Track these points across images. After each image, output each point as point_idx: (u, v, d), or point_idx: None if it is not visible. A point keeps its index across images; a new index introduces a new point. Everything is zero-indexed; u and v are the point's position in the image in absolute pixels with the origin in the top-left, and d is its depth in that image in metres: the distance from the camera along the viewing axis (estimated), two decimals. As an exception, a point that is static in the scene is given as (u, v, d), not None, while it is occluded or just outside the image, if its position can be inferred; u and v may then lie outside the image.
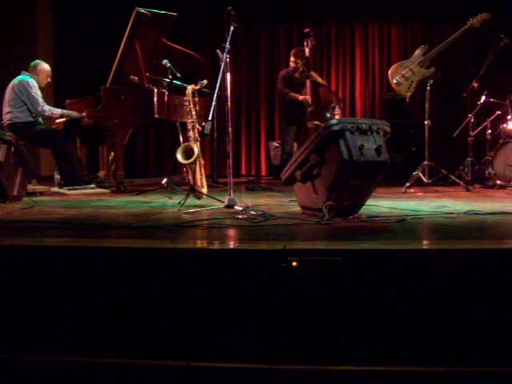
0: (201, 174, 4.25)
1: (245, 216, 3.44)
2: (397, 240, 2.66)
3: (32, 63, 5.87)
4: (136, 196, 5.25)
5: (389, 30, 8.76)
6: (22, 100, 5.60)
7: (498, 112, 6.30)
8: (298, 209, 3.71)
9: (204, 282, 2.29)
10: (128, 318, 2.30)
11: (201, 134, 4.33)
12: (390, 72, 5.98)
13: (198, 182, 4.21)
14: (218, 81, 3.91)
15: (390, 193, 5.42)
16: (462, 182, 5.81)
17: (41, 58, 6.04)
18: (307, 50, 6.49)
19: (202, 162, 4.32)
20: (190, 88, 4.60)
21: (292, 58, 6.66)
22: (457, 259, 2.26)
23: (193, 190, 4.15)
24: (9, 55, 7.66)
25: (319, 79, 6.64)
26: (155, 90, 5.89)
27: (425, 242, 2.75)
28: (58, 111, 5.80)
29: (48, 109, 5.70)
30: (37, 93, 5.66)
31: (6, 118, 5.66)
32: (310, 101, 6.42)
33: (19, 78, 5.71)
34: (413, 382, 2.15)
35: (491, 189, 5.89)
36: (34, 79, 5.72)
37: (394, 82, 5.89)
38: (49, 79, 5.97)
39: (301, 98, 6.48)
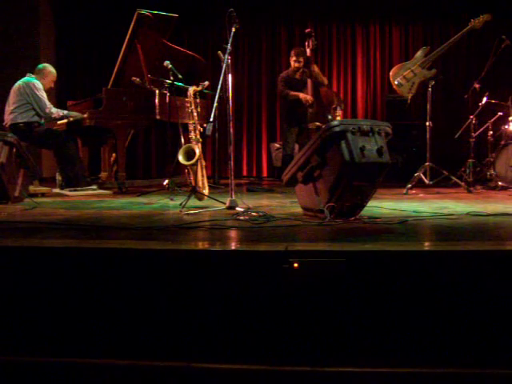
0: (202, 176, 4.26)
1: (246, 217, 3.44)
2: (399, 241, 2.66)
3: (40, 66, 5.93)
4: (137, 197, 5.25)
5: (390, 31, 8.77)
6: (28, 101, 5.62)
7: (500, 113, 6.30)
8: (299, 210, 3.71)
9: (205, 283, 2.29)
10: (129, 318, 2.30)
11: (202, 135, 4.33)
12: (391, 73, 5.99)
13: (200, 184, 4.22)
14: (220, 82, 3.91)
15: (392, 194, 5.42)
16: (463, 184, 5.80)
17: (43, 59, 6.07)
18: (308, 51, 6.50)
19: (204, 163, 4.32)
20: (191, 89, 4.60)
21: (293, 58, 6.66)
22: (458, 261, 2.26)
23: (194, 192, 4.15)
24: (11, 56, 7.67)
25: (320, 74, 6.62)
26: (157, 92, 5.90)
27: (426, 244, 2.74)
28: (63, 113, 5.83)
29: (55, 111, 5.73)
30: (43, 95, 5.69)
31: (9, 118, 5.67)
32: (310, 100, 6.42)
33: (24, 79, 5.73)
34: (413, 382, 2.15)
35: (493, 190, 5.89)
36: (39, 81, 5.74)
37: (396, 83, 5.89)
38: (52, 84, 6.00)
39: (301, 95, 6.48)
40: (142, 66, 6.09)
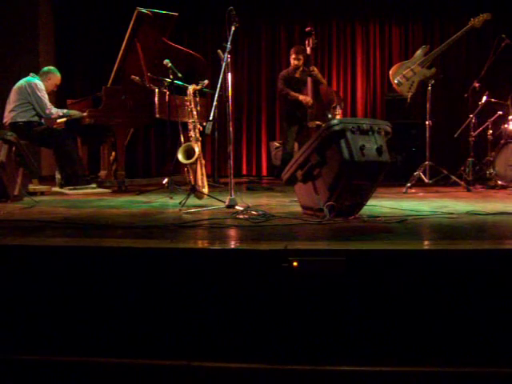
0: (202, 174, 4.25)
1: (246, 216, 3.44)
2: (398, 240, 2.66)
3: (45, 68, 5.98)
4: (137, 196, 5.25)
5: (390, 30, 8.77)
6: (29, 101, 5.62)
7: (500, 112, 6.29)
8: (298, 209, 3.70)
9: (205, 282, 2.29)
10: (128, 317, 2.30)
11: (202, 133, 4.33)
12: (391, 72, 5.98)
13: (199, 182, 4.21)
14: (219, 81, 3.91)
15: (391, 193, 5.42)
16: (463, 183, 5.80)
17: (42, 57, 6.07)
18: (308, 49, 6.48)
19: (203, 161, 4.32)
20: (191, 88, 4.60)
21: (293, 56, 6.65)
22: (458, 259, 2.26)
23: (194, 190, 4.14)
24: (10, 55, 7.66)
25: (319, 76, 6.62)
26: (156, 90, 5.89)
27: (426, 243, 2.74)
28: (63, 112, 5.83)
29: (55, 111, 5.74)
30: (44, 95, 5.69)
31: (9, 116, 5.66)
32: (310, 102, 6.41)
33: (27, 79, 5.73)
34: (413, 382, 2.15)
35: (492, 189, 5.88)
36: (42, 82, 5.75)
37: (395, 82, 5.89)
38: (55, 88, 6.02)
39: (301, 97, 6.47)
40: (142, 64, 6.08)
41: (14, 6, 7.83)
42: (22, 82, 5.72)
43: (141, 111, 5.98)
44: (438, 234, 2.97)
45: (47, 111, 5.67)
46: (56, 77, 5.93)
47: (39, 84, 5.69)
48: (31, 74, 5.82)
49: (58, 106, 5.93)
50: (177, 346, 2.26)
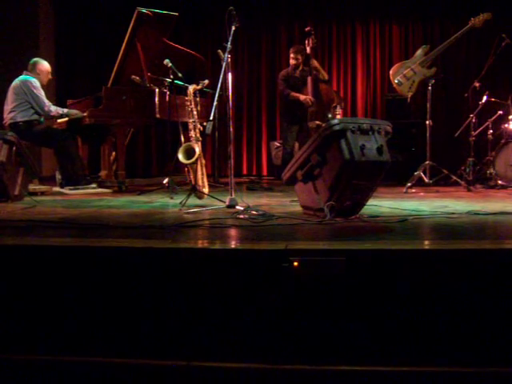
0: (202, 174, 4.25)
1: (246, 216, 3.44)
2: (398, 240, 2.66)
3: (31, 61, 5.87)
4: (137, 196, 5.25)
5: (390, 30, 8.76)
6: (27, 100, 5.61)
7: (500, 112, 6.29)
8: (299, 209, 3.70)
9: (205, 281, 2.29)
10: (129, 317, 2.30)
11: (202, 133, 4.33)
12: (391, 72, 5.98)
13: (200, 182, 4.22)
14: (220, 81, 3.91)
15: (392, 193, 5.42)
16: (463, 182, 5.80)
17: (43, 58, 6.04)
18: (308, 49, 6.47)
19: (204, 161, 4.32)
20: (191, 88, 4.61)
21: (292, 55, 6.64)
22: (458, 259, 2.26)
23: (194, 190, 4.15)
24: (11, 55, 7.66)
25: (319, 67, 6.59)
26: (156, 90, 5.89)
27: (426, 242, 2.74)
28: (63, 111, 5.83)
29: (54, 109, 5.73)
30: (41, 93, 5.68)
31: (8, 117, 5.66)
32: (310, 102, 6.41)
33: (21, 78, 5.71)
34: (413, 382, 2.15)
35: (493, 189, 5.89)
36: (36, 79, 5.73)
37: (396, 81, 5.89)
38: (49, 76, 5.98)
39: (302, 97, 6.46)
40: (142, 64, 6.08)
41: (15, 6, 7.83)
42: (16, 81, 5.70)
43: (141, 111, 5.99)
44: (438, 234, 2.97)
45: (46, 108, 5.65)
46: (43, 64, 5.85)
47: (34, 81, 5.67)
48: (25, 71, 5.78)
49: (58, 107, 5.92)
50: (177, 345, 2.26)
